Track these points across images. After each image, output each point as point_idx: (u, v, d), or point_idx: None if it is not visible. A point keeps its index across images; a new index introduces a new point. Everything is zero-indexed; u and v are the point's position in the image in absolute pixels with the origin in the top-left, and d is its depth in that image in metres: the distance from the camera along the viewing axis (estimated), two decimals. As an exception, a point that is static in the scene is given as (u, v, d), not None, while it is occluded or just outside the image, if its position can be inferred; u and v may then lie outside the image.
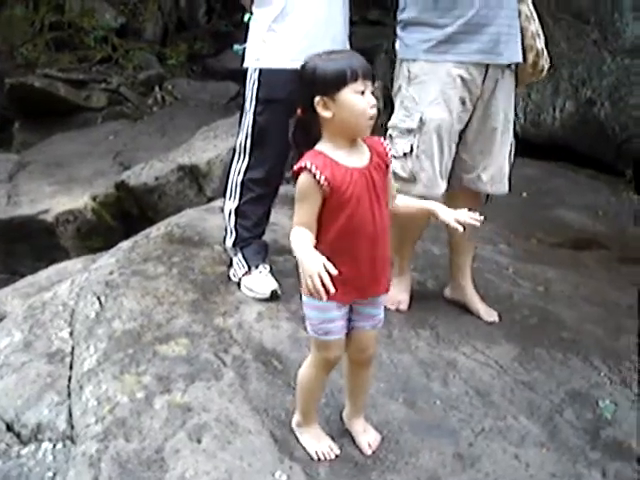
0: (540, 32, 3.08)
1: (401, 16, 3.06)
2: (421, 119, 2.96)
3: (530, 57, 3.05)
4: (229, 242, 3.37)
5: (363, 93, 2.05)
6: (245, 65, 3.30)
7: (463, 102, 2.97)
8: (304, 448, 2.40)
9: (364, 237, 2.14)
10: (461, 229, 2.20)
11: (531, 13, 3.05)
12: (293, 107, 2.25)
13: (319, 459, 2.36)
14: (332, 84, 2.04)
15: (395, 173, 3.03)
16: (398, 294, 3.27)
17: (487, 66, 2.96)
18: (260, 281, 3.24)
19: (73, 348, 2.94)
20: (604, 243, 4.54)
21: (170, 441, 2.38)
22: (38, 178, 6.66)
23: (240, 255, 3.32)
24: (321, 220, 2.10)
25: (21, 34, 9.79)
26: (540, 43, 3.07)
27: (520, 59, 3.03)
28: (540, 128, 5.98)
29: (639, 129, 5.40)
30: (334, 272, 1.91)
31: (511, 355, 3.02)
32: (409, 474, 2.35)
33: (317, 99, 2.05)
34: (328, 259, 1.96)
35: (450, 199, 3.19)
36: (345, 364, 2.40)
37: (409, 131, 3.00)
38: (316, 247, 2.03)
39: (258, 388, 2.66)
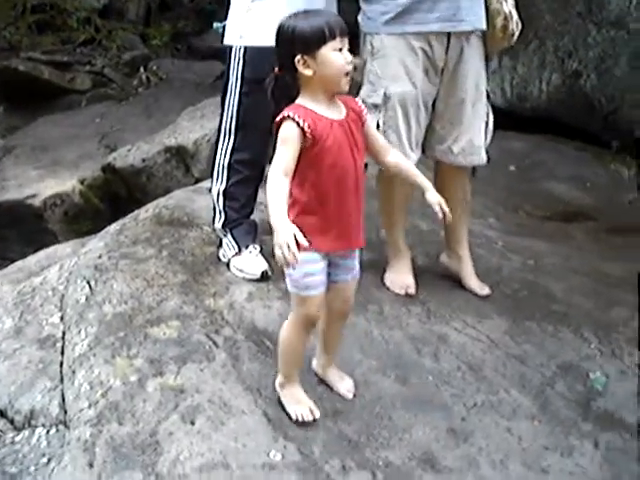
0: None
1: None
2: (385, 94, 2.94)
3: (499, 21, 2.95)
4: (218, 224, 3.35)
5: (341, 50, 2.13)
6: (227, 42, 3.22)
7: (427, 73, 2.94)
8: (284, 409, 2.44)
9: (347, 185, 2.23)
10: (440, 216, 2.31)
11: None
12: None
13: (297, 420, 2.40)
14: (312, 42, 2.11)
15: None
16: (403, 278, 3.25)
17: (449, 35, 2.90)
18: (250, 261, 3.23)
19: (64, 333, 2.93)
20: (592, 215, 4.54)
21: (164, 424, 2.38)
22: (24, 162, 6.64)
23: (230, 236, 3.30)
24: (305, 169, 2.17)
25: (3, 17, 9.68)
26: (507, 6, 2.95)
27: (484, 25, 2.93)
28: (527, 101, 5.95)
29: (625, 100, 5.40)
30: (304, 243, 2.01)
31: (502, 329, 3.03)
32: (403, 450, 2.37)
33: (298, 58, 2.13)
34: (312, 207, 2.17)
35: (438, 173, 3.20)
36: (323, 317, 2.44)
37: (375, 106, 2.96)
38: (299, 196, 2.17)
39: (251, 368, 2.66)
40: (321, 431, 2.40)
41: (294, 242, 1.98)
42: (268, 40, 3.01)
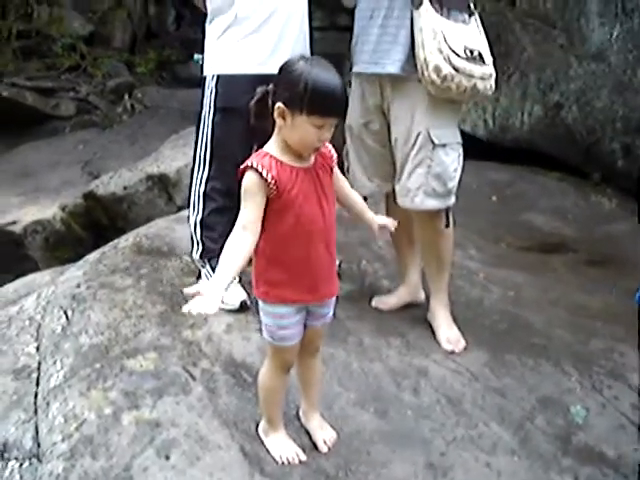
0: (427, 43, 2.75)
1: None
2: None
3: (423, 68, 2.77)
4: (196, 254, 3.32)
5: (321, 127, 2.01)
6: (204, 73, 3.27)
7: (368, 110, 3.07)
8: (269, 453, 2.39)
9: (315, 235, 2.16)
10: (385, 237, 2.49)
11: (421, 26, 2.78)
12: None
13: (283, 464, 2.36)
14: (298, 103, 1.98)
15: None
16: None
17: (379, 77, 2.96)
18: (229, 292, 3.19)
19: (40, 364, 2.89)
20: (572, 246, 4.56)
21: (138, 458, 2.34)
22: (6, 189, 6.62)
23: (208, 267, 3.27)
24: (269, 221, 2.09)
25: (-12, 42, 9.69)
26: (424, 54, 2.75)
27: (398, 70, 2.85)
28: (508, 132, 5.99)
29: (606, 132, 5.44)
30: (212, 311, 1.89)
31: (481, 361, 3.01)
32: (381, 485, 2.34)
33: (278, 104, 2.01)
34: (279, 258, 2.12)
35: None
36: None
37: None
38: (265, 248, 2.11)
39: (228, 401, 2.63)
40: (298, 466, 2.37)
41: (212, 305, 1.89)
42: (240, 68, 3.06)
